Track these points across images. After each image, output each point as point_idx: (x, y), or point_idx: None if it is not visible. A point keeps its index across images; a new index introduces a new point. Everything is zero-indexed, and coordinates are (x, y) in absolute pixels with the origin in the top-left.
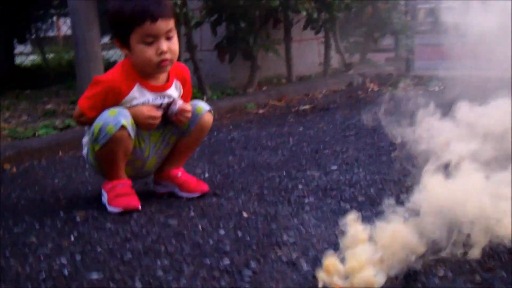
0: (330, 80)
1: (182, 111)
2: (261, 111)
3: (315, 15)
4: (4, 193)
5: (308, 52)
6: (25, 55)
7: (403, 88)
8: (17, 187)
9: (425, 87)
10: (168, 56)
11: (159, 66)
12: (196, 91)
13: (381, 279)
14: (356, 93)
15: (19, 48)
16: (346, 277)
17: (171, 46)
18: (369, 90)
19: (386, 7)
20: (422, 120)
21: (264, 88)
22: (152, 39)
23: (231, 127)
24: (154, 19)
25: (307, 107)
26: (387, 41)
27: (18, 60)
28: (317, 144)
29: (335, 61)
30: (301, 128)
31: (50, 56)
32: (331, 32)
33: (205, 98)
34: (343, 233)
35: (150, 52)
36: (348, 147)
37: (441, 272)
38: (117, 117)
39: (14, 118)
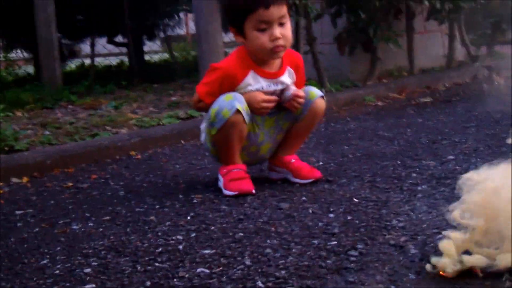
0: (453, 73)
1: (295, 97)
2: (380, 103)
3: (438, 5)
4: (130, 176)
5: (431, 44)
6: (155, 53)
7: None
8: (141, 171)
9: None
10: (281, 42)
11: (273, 52)
12: (315, 83)
13: None
14: (480, 86)
15: (149, 46)
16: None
17: (284, 32)
18: (495, 83)
19: None
20: None
21: (384, 80)
22: (266, 25)
23: (348, 118)
24: (267, 5)
25: (427, 99)
26: None
27: (148, 56)
28: (435, 135)
29: (460, 53)
30: (420, 120)
31: (178, 53)
32: (456, 23)
33: (323, 90)
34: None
35: (263, 39)
36: (468, 138)
37: None
38: (232, 102)
39: (141, 109)
